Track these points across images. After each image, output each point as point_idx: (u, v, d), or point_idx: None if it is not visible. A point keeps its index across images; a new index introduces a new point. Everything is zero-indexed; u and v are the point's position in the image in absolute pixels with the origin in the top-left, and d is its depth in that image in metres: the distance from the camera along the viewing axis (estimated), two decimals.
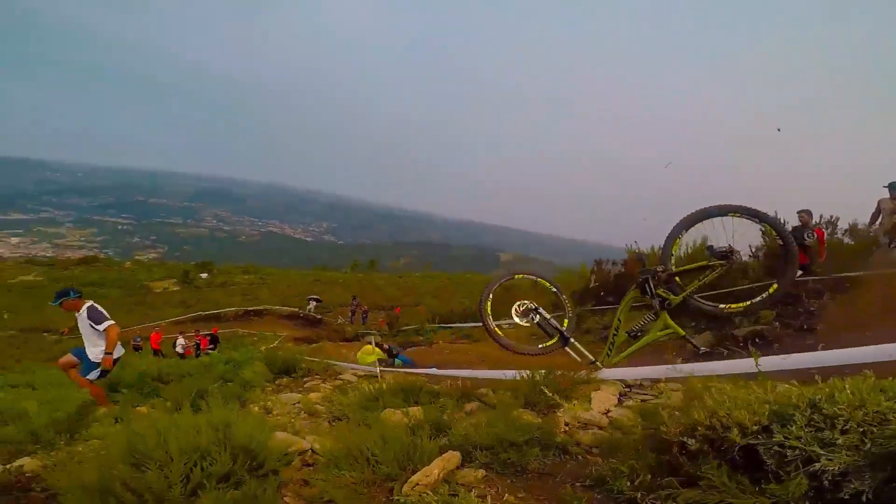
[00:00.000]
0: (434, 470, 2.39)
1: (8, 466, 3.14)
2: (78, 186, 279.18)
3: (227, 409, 2.92)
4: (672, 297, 4.04)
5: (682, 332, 4.14)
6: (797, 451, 1.69)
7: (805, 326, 7.12)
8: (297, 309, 35.27)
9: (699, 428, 2.02)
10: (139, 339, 19.74)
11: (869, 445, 1.58)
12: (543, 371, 3.36)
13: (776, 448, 1.77)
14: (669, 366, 3.15)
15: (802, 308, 7.51)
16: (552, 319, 4.91)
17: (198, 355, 17.74)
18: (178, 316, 32.95)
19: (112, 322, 5.64)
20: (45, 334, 27.68)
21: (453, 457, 2.54)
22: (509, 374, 3.84)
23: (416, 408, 4.03)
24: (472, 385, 4.56)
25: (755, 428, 1.86)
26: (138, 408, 5.37)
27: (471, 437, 2.74)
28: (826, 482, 1.59)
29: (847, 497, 1.54)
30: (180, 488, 2.21)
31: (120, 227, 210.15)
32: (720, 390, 2.18)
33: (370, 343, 7.87)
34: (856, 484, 1.53)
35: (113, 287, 56.00)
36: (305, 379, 7.20)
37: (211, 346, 18.27)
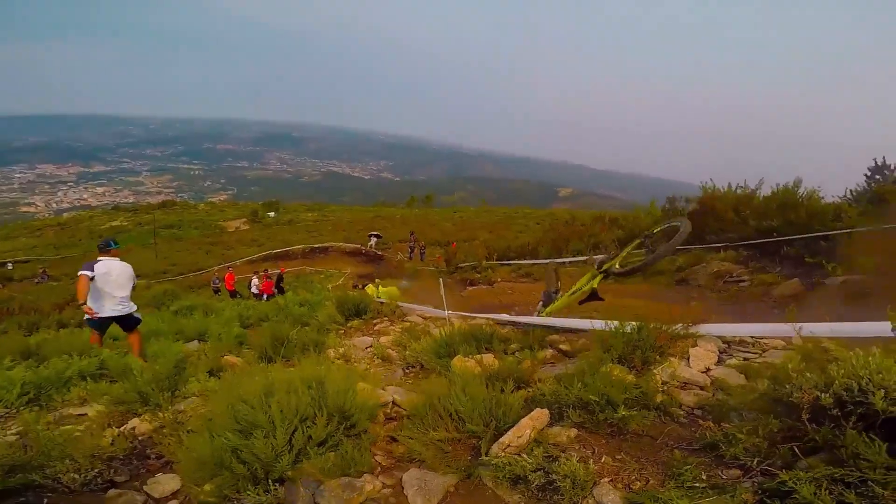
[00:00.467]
0: (525, 430, 2.27)
1: (122, 429, 3.27)
2: (152, 137, 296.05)
3: (316, 363, 2.95)
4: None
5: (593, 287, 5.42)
6: None
7: None
8: (359, 245, 36.22)
9: (833, 390, 1.85)
10: (217, 281, 20.82)
11: None
12: (635, 323, 2.98)
13: None
14: (789, 324, 2.67)
15: None
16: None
17: (280, 290, 18.56)
18: (251, 255, 34.81)
19: (81, 272, 5.37)
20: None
21: (542, 414, 2.40)
22: (598, 324, 3.56)
23: (488, 355, 3.93)
24: (545, 331, 4.36)
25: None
26: (226, 357, 5.61)
27: (560, 394, 2.57)
28: None
29: None
30: (287, 457, 2.22)
31: (192, 172, 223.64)
32: (858, 353, 1.95)
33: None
34: None
35: (190, 228, 60.40)
36: (375, 321, 7.27)
37: (276, 289, 18.89)
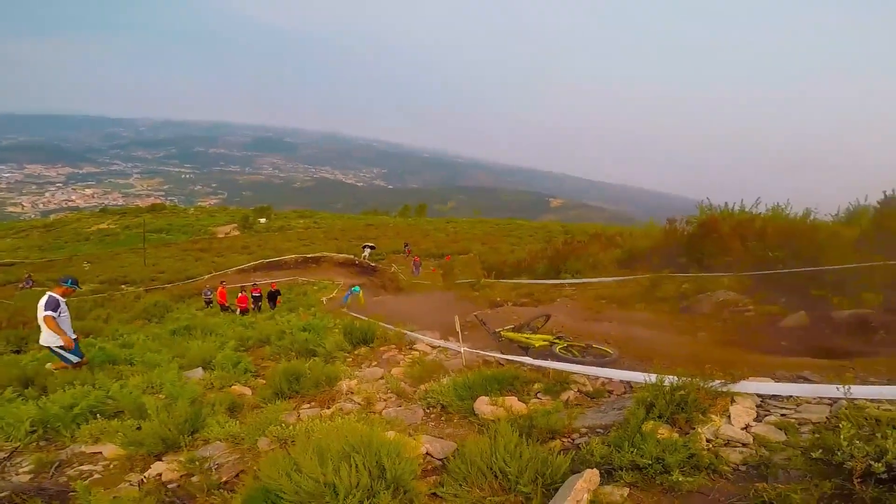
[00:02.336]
0: (583, 494, 2.30)
1: (146, 475, 3.19)
2: (142, 139, 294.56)
3: (357, 420, 3.08)
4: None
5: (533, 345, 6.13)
6: None
7: None
8: (352, 256, 36.08)
9: (887, 460, 2.02)
10: (209, 293, 20.66)
11: None
12: (679, 380, 3.00)
13: None
14: (835, 385, 2.77)
15: None
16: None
17: (256, 308, 18.64)
18: (242, 263, 34.46)
19: (45, 314, 5.76)
20: (124, 287, 29.51)
21: (594, 475, 2.42)
22: (639, 376, 3.59)
23: (512, 398, 3.94)
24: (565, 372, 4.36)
25: None
26: (234, 387, 5.52)
27: (612, 457, 2.64)
28: None
29: None
30: None
31: (183, 175, 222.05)
32: None
33: None
34: None
35: (179, 232, 59.76)
36: (382, 348, 7.19)
37: (270, 302, 18.96)
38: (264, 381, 5.86)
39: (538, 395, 4.26)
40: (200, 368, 6.30)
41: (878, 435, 2.15)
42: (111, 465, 3.52)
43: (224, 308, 18.81)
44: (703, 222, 11.48)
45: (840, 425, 2.26)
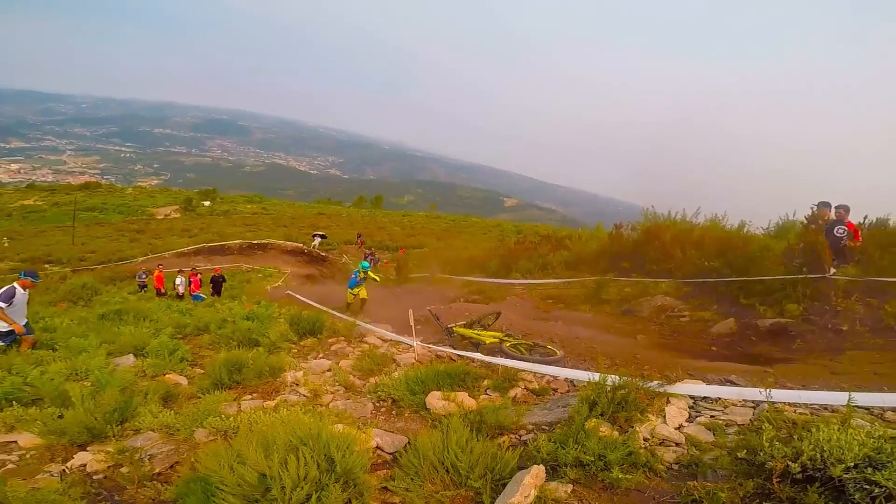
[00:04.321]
0: (530, 489, 2.38)
1: (69, 465, 2.93)
2: (82, 117, 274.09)
3: (304, 413, 3.00)
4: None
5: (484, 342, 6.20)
6: (884, 489, 2.00)
7: (830, 326, 6.76)
8: (301, 244, 35.00)
9: (801, 461, 2.19)
10: (144, 276, 19.32)
11: None
12: (620, 379, 3.12)
13: (864, 485, 2.06)
14: (758, 389, 2.99)
15: (829, 306, 7.12)
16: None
17: (218, 293, 17.60)
18: (182, 247, 32.66)
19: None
20: (48, 266, 27.19)
21: (540, 471, 2.51)
22: (571, 373, 3.71)
23: (463, 393, 3.99)
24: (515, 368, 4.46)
25: (851, 465, 2.11)
26: (169, 375, 5.22)
27: (558, 454, 2.74)
28: None
29: None
30: None
31: (122, 154, 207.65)
32: (822, 427, 2.31)
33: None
34: None
35: (114, 212, 55.93)
36: (331, 340, 7.00)
37: (213, 291, 17.87)
38: (202, 371, 5.59)
39: (487, 391, 4.32)
40: (132, 355, 5.90)
41: (795, 437, 2.33)
42: (27, 455, 3.24)
43: (160, 293, 17.74)
44: (647, 229, 12.05)
45: (762, 427, 2.43)
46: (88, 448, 3.19)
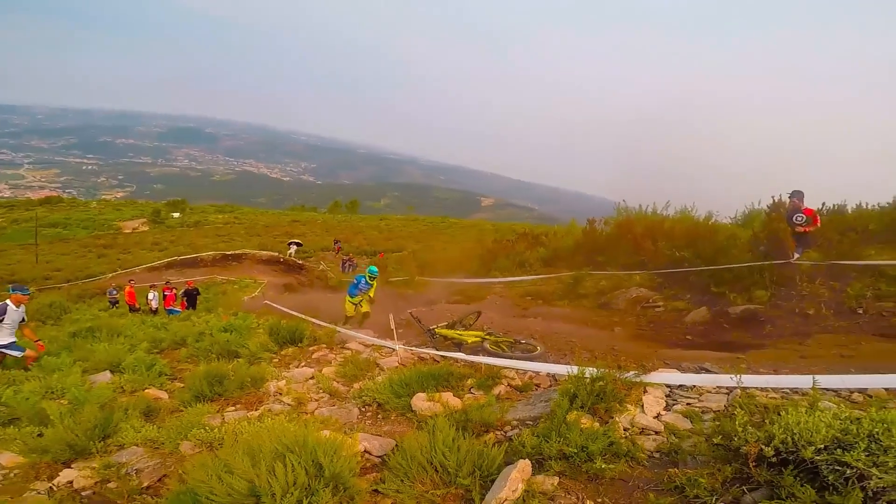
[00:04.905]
0: (517, 483, 2.43)
1: (55, 482, 2.88)
2: (39, 128, 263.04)
3: (289, 421, 3.01)
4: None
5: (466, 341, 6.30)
6: (855, 470, 2.05)
7: (797, 310, 7.07)
8: (276, 254, 34.51)
9: (774, 445, 2.28)
10: (114, 292, 18.75)
11: None
12: (598, 371, 3.23)
13: (836, 466, 2.12)
14: (730, 376, 3.14)
15: (795, 291, 7.45)
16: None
17: (193, 306, 17.18)
18: (152, 261, 31.80)
19: None
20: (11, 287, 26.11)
21: (526, 466, 2.56)
22: (552, 367, 3.81)
23: (448, 393, 4.03)
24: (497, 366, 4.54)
25: (821, 447, 2.19)
26: (148, 390, 5.13)
27: (542, 447, 2.81)
28: (870, 493, 2.01)
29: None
30: None
31: (84, 167, 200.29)
32: (791, 410, 2.41)
33: None
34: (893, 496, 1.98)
35: (79, 227, 53.94)
36: (312, 348, 6.96)
37: (188, 304, 17.45)
38: (182, 385, 5.50)
39: (471, 390, 4.39)
40: (108, 372, 5.79)
41: (767, 421, 2.44)
42: (11, 474, 3.18)
43: (133, 309, 17.26)
44: (620, 223, 12.36)
45: (735, 413, 2.55)
46: (73, 465, 3.15)
